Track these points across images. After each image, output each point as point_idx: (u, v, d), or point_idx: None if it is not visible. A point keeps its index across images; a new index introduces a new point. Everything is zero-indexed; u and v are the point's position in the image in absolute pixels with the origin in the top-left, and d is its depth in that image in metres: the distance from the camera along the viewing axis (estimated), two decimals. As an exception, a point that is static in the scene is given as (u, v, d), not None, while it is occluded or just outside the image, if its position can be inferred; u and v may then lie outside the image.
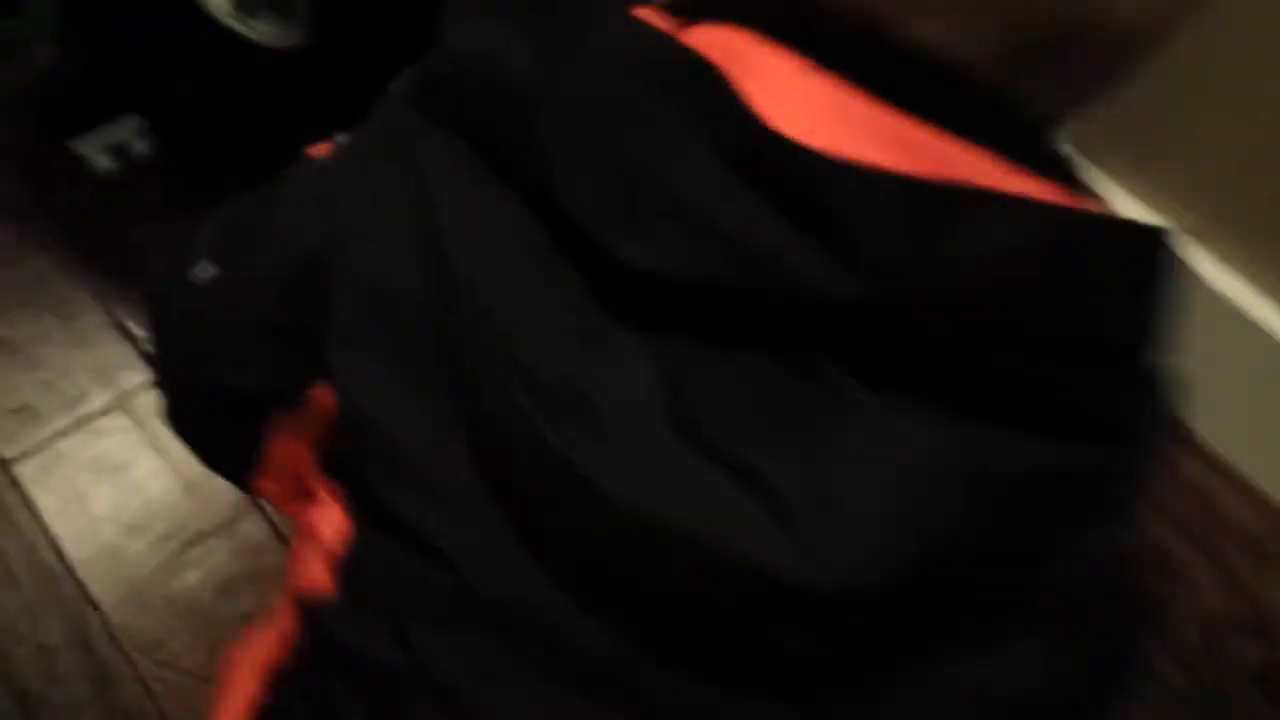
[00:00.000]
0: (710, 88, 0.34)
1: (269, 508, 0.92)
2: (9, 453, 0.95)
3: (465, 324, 0.36)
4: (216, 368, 0.43)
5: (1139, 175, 0.93)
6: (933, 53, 0.34)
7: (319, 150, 0.43)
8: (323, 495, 0.40)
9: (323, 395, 0.39)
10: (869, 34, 0.34)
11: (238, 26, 0.80)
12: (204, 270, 0.43)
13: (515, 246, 0.36)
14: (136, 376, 0.98)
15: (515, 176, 0.36)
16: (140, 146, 1.03)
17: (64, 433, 0.96)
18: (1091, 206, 0.36)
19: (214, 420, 0.46)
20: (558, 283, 0.35)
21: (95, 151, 1.02)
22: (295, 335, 0.39)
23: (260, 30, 0.80)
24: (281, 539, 0.92)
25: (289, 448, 0.42)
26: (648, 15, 0.36)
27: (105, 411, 0.97)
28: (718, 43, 0.35)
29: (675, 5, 0.37)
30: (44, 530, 0.92)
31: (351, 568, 0.39)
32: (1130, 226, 0.33)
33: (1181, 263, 0.34)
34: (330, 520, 0.39)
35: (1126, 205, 0.93)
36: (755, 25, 0.35)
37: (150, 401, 0.97)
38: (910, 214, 0.32)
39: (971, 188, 0.32)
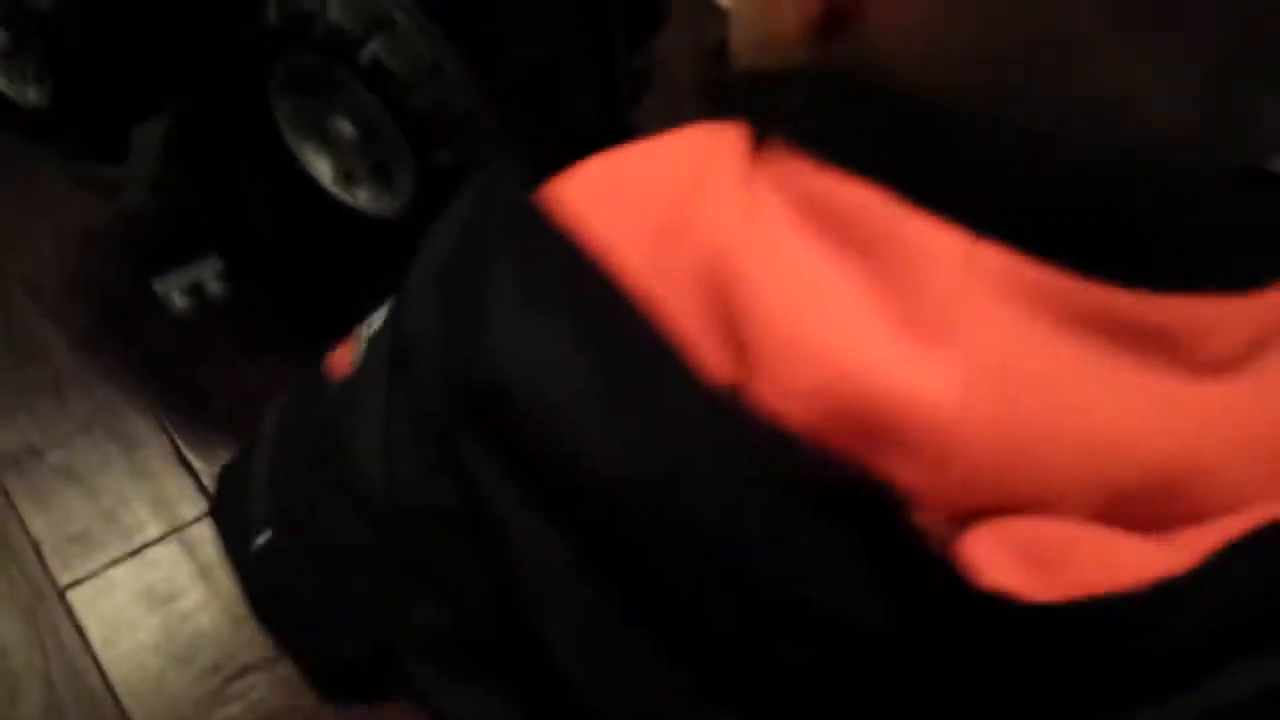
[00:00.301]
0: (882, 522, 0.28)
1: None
2: (64, 579, 0.97)
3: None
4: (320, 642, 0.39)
5: None
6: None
7: (339, 363, 0.39)
8: None
9: None
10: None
11: (340, 194, 0.86)
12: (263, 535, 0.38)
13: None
14: (194, 509, 1.01)
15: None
16: (216, 288, 1.08)
17: (118, 561, 0.99)
18: None
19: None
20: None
21: (173, 290, 1.06)
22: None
23: (360, 198, 0.86)
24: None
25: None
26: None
27: (160, 541, 1.00)
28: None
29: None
30: (92, 657, 0.94)
31: None
32: None
33: None
34: None
35: None
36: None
37: (205, 534, 0.99)
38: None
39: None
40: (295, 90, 0.83)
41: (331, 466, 0.37)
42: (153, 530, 1.00)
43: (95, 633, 0.94)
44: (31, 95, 0.91)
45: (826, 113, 0.31)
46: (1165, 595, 0.27)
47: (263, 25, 0.78)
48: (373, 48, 0.76)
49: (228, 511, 0.41)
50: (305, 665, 0.39)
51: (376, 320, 0.39)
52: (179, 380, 1.08)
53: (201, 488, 1.02)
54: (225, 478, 0.43)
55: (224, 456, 0.46)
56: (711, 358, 0.29)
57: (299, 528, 0.38)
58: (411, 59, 0.76)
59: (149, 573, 0.98)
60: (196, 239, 1.08)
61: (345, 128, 0.82)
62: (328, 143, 0.85)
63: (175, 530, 1.00)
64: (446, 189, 0.82)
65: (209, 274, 1.09)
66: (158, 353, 1.09)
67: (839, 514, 0.28)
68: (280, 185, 0.88)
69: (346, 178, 0.85)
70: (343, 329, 0.42)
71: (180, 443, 1.05)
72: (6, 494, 1.02)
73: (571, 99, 0.88)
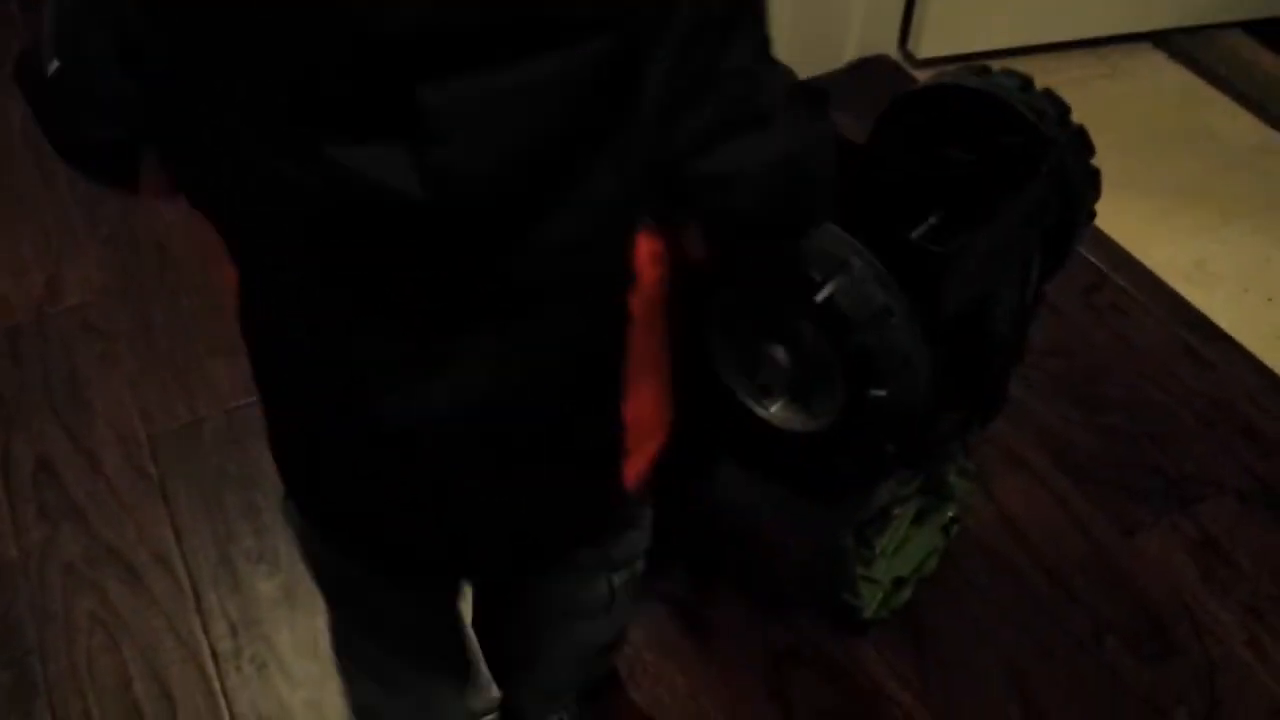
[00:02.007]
0: None
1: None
2: None
3: None
4: (81, 128, 0.59)
5: None
6: None
7: None
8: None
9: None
10: None
11: (749, 400, 0.88)
12: (52, 65, 0.57)
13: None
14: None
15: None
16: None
17: None
18: None
19: (90, 157, 0.62)
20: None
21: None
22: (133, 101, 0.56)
23: (771, 410, 0.88)
24: None
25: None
26: None
27: None
28: None
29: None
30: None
31: None
32: None
33: None
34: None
35: None
36: None
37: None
38: None
39: None
40: (734, 308, 0.86)
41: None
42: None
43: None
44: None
45: None
46: None
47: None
48: (829, 289, 0.78)
49: (31, 66, 0.58)
50: (78, 147, 0.60)
51: None
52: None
53: None
54: (28, 50, 0.59)
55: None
56: None
57: (77, 54, 0.56)
58: (864, 302, 0.79)
59: None
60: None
61: (779, 353, 0.85)
62: (755, 358, 0.87)
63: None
64: (870, 423, 0.84)
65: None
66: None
67: None
68: (687, 376, 0.91)
69: (762, 390, 0.88)
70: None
71: None
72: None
73: (992, 325, 0.89)
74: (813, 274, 0.78)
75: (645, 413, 0.69)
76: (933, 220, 0.86)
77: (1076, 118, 0.93)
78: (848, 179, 0.90)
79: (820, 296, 0.78)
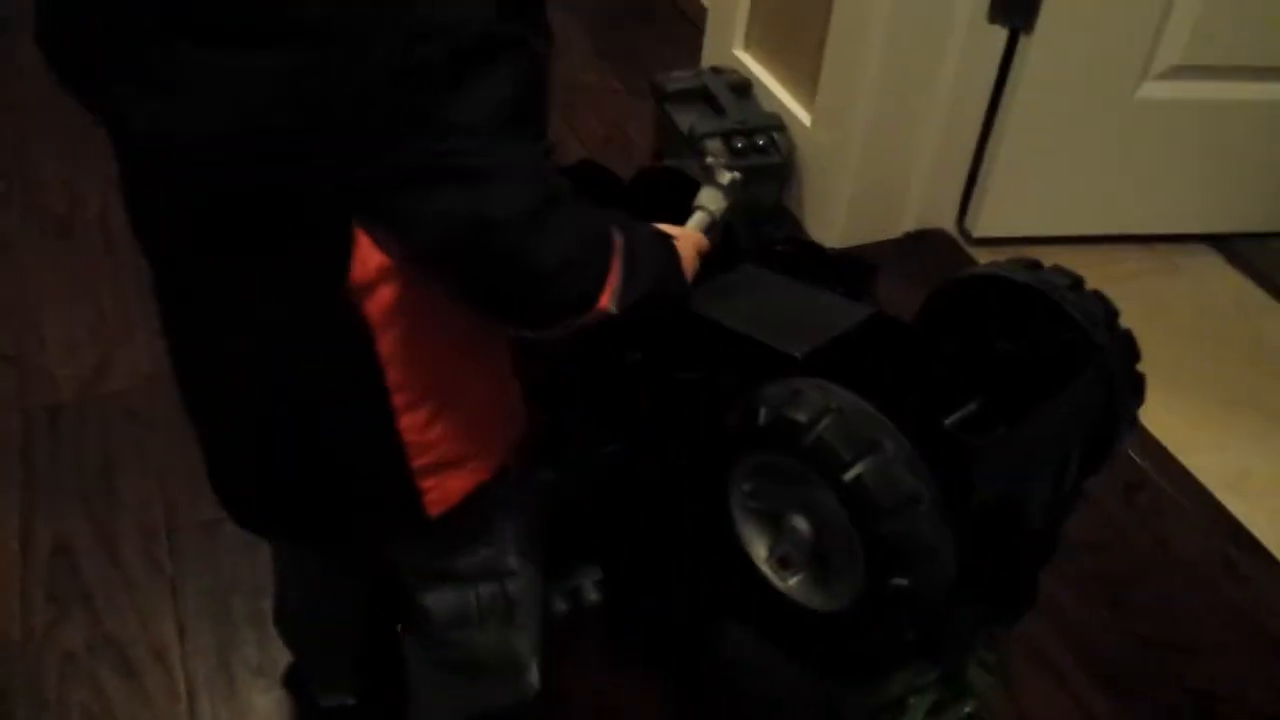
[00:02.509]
0: None
1: None
2: None
3: None
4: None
5: None
6: None
7: None
8: None
9: None
10: None
11: (767, 571, 0.87)
12: None
13: None
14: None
15: None
16: (593, 595, 1.11)
17: None
18: None
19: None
20: None
21: (555, 595, 1.10)
22: None
23: (789, 583, 0.86)
24: None
25: None
26: None
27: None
28: None
29: None
30: None
31: None
32: None
33: None
34: None
35: None
36: None
37: None
38: None
39: None
40: (758, 474, 0.86)
41: None
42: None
43: None
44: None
45: None
46: None
47: (749, 422, 0.82)
48: (857, 469, 0.77)
49: None
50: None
51: None
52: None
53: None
54: None
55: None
56: None
57: None
58: (892, 486, 0.78)
59: None
60: (584, 549, 1.12)
61: (801, 524, 0.84)
62: (775, 526, 0.86)
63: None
64: (890, 610, 0.82)
65: (589, 581, 1.12)
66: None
67: None
68: (706, 538, 0.91)
69: (781, 562, 0.87)
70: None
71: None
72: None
73: (1024, 520, 0.87)
74: (843, 452, 0.78)
75: (444, 439, 0.76)
76: (971, 408, 0.85)
77: (1130, 312, 0.93)
78: (891, 356, 0.91)
79: (848, 476, 0.77)
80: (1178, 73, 1.65)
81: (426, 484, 0.78)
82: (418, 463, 0.76)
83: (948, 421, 0.83)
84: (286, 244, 0.67)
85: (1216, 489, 1.43)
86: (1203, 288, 1.78)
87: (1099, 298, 0.92)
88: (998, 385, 0.86)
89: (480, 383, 0.80)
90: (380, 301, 0.68)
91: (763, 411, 0.81)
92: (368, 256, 0.66)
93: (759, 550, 0.87)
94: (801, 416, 0.79)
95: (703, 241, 0.91)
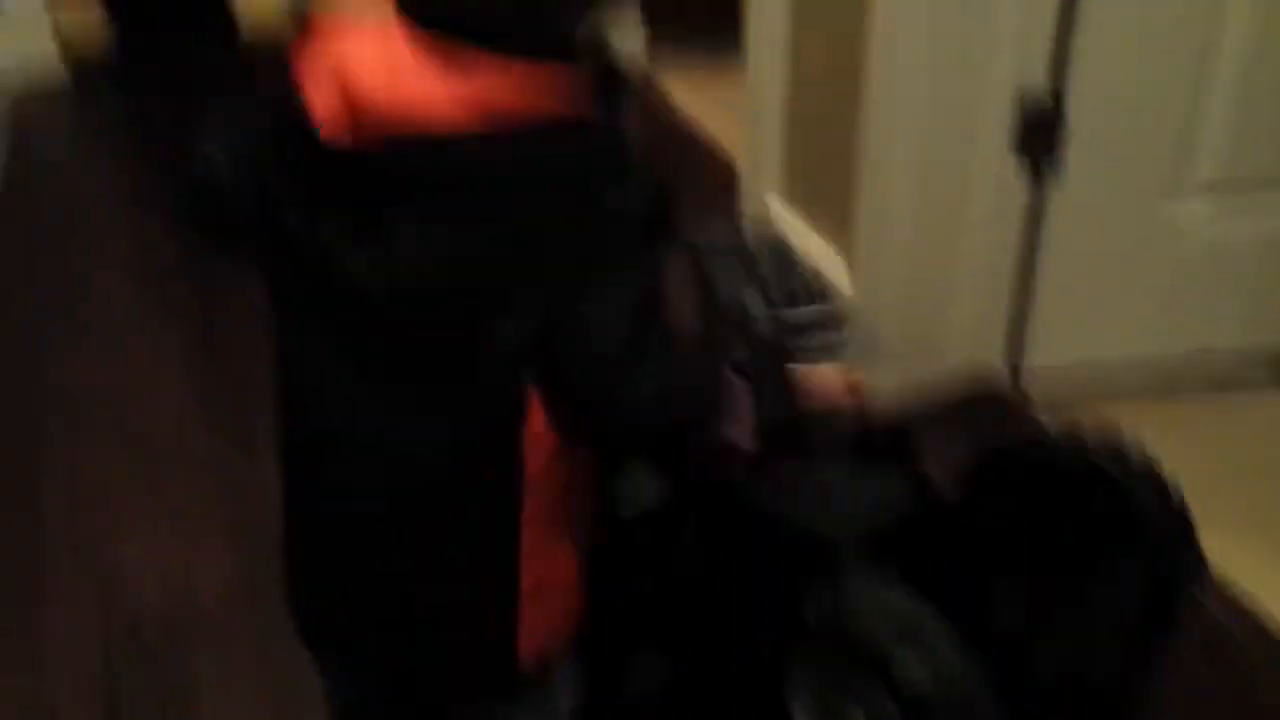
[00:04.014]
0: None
1: None
2: None
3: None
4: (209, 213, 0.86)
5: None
6: None
7: None
8: None
9: None
10: None
11: None
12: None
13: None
14: None
15: None
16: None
17: None
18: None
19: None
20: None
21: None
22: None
23: None
24: None
25: None
26: None
27: None
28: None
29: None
30: None
31: None
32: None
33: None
34: None
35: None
36: None
37: None
38: None
39: None
40: (811, 669, 0.86)
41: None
42: None
43: None
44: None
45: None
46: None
47: (796, 618, 0.83)
48: (905, 661, 0.78)
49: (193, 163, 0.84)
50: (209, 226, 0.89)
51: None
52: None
53: None
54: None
55: None
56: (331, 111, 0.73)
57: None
58: (941, 677, 0.78)
59: None
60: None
61: (856, 714, 0.84)
62: (828, 713, 0.86)
63: None
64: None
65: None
66: None
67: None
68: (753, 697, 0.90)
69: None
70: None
71: None
72: None
73: (1090, 702, 0.86)
74: (889, 645, 0.78)
75: (550, 580, 0.83)
76: (1021, 589, 0.85)
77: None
78: (938, 536, 0.92)
79: (896, 668, 0.78)
80: (1211, 187, 1.66)
81: (527, 612, 0.82)
82: (527, 621, 0.82)
83: (1000, 604, 0.83)
84: (471, 384, 0.76)
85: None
86: (1266, 421, 1.72)
87: (1146, 462, 0.91)
88: (1049, 559, 0.86)
89: (575, 548, 0.86)
90: (536, 462, 0.77)
91: (809, 607, 0.82)
92: (539, 412, 0.76)
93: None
94: (847, 611, 0.80)
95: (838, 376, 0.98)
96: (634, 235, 0.74)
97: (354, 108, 0.71)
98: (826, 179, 1.82)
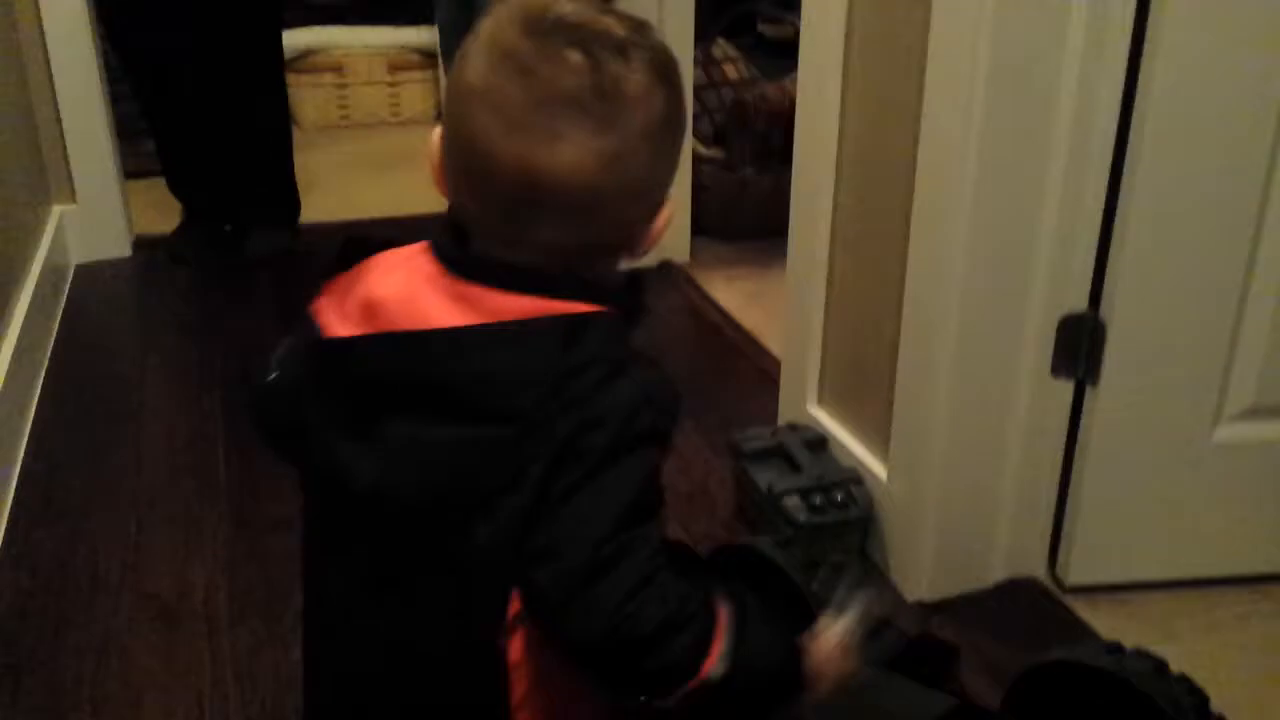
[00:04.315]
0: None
1: None
2: None
3: None
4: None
5: None
6: None
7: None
8: None
9: None
10: None
11: None
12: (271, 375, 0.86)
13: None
14: None
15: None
16: None
17: None
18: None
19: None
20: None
21: None
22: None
23: None
24: None
25: None
26: None
27: None
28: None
29: None
30: None
31: None
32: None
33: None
34: None
35: None
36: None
37: None
38: None
39: None
40: None
41: None
42: None
43: None
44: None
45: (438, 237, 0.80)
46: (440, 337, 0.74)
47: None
48: None
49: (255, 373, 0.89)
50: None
51: None
52: None
53: None
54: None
55: None
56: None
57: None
58: None
59: None
60: None
61: None
62: None
63: None
64: None
65: None
66: None
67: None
68: None
69: None
70: None
71: None
72: None
73: None
74: None
75: None
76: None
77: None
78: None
79: None
80: (1254, 413, 1.66)
81: None
82: None
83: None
84: (457, 578, 0.76)
85: None
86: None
87: (1186, 684, 0.90)
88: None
89: None
90: (517, 647, 0.77)
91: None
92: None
93: None
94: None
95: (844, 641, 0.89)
96: (626, 437, 0.72)
97: (368, 316, 0.75)
98: (865, 387, 1.84)
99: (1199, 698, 0.88)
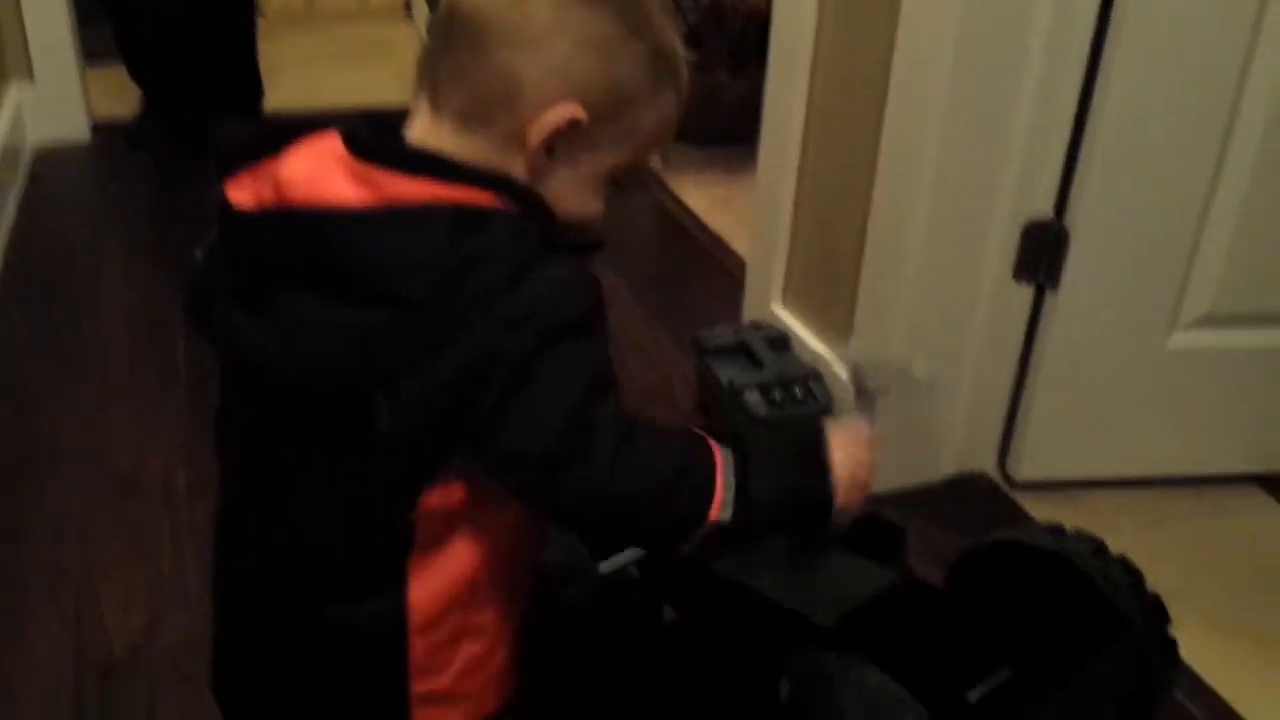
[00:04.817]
0: None
1: None
2: None
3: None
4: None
5: None
6: None
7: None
8: None
9: None
10: None
11: None
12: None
13: None
14: None
15: None
16: None
17: None
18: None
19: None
20: None
21: None
22: None
23: None
24: None
25: None
26: None
27: None
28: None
29: None
30: None
31: None
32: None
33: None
34: None
35: None
36: None
37: None
38: None
39: None
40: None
41: None
42: None
43: None
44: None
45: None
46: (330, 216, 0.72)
47: (771, 697, 0.82)
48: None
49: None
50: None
51: None
52: None
53: None
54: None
55: None
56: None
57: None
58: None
59: None
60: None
61: None
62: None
63: None
64: None
65: None
66: None
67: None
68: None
69: None
70: None
71: None
72: None
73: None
74: (866, 728, 0.78)
75: (448, 670, 0.80)
76: (996, 680, 0.85)
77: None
78: (919, 623, 0.92)
79: (872, 754, 0.77)
80: (1208, 322, 1.69)
81: (419, 714, 0.81)
82: (418, 689, 0.80)
83: (974, 693, 0.83)
84: (359, 462, 0.75)
85: (1284, 746, 1.37)
86: (1252, 528, 1.75)
87: (1124, 563, 0.92)
88: (1026, 654, 0.86)
89: (494, 624, 0.83)
90: (432, 524, 0.76)
91: (785, 686, 0.81)
92: (442, 488, 0.75)
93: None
94: (822, 692, 0.79)
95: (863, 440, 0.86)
96: (549, 333, 0.71)
97: (276, 192, 0.74)
98: (829, 287, 1.85)
99: (1135, 577, 0.91)
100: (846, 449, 0.83)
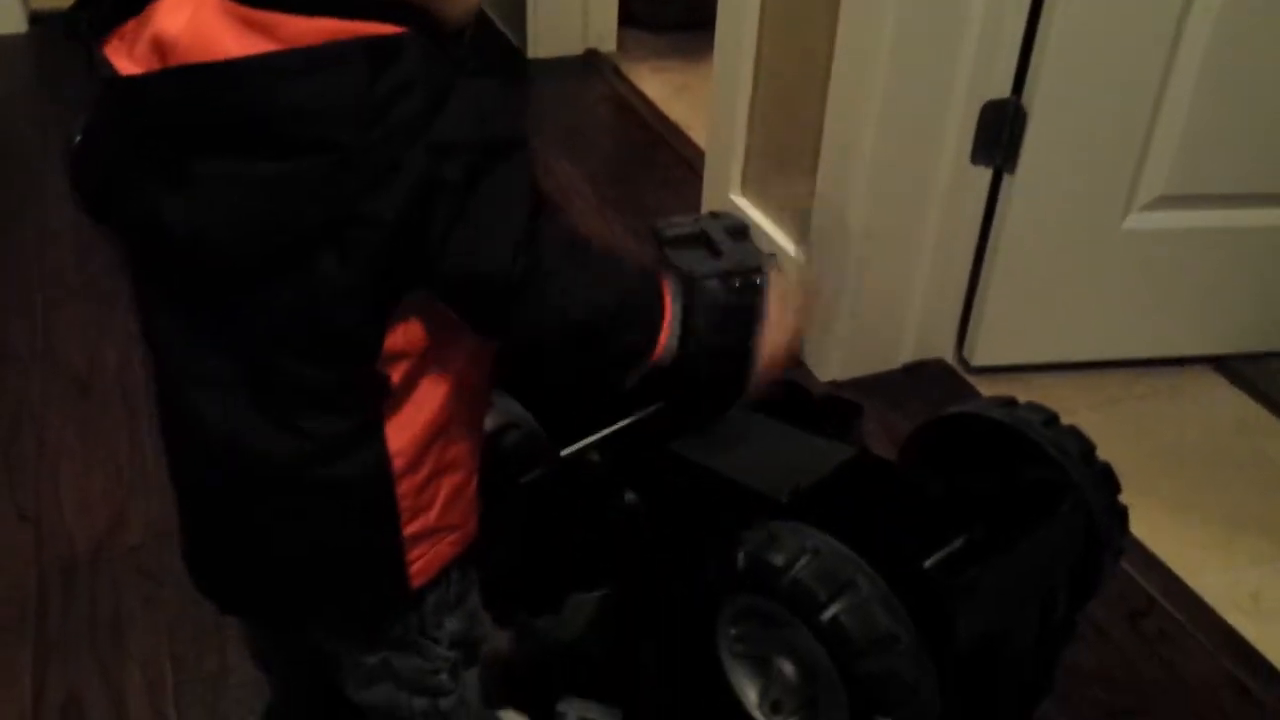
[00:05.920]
0: None
1: None
2: None
3: None
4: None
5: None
6: None
7: None
8: None
9: None
10: None
11: (759, 717, 0.88)
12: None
13: None
14: None
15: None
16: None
17: None
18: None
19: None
20: None
21: (570, 714, 1.09)
22: None
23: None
24: None
25: None
26: None
27: None
28: None
29: None
30: None
31: None
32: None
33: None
34: None
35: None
36: None
37: None
38: None
39: None
40: (744, 619, 0.87)
41: None
42: None
43: None
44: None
45: None
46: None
47: (728, 567, 0.83)
48: (833, 610, 0.79)
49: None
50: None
51: None
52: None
53: None
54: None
55: None
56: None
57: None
58: (869, 626, 0.79)
59: None
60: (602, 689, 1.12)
61: (787, 667, 0.85)
62: (763, 671, 0.87)
63: None
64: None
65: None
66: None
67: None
68: (698, 685, 0.91)
69: (773, 707, 0.87)
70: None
71: None
72: None
73: (1008, 659, 0.88)
74: (818, 593, 0.79)
75: (435, 505, 0.81)
76: (950, 548, 0.86)
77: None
78: (874, 497, 0.93)
79: (825, 617, 0.79)
80: (1163, 203, 1.70)
81: (414, 553, 0.81)
82: (409, 530, 0.80)
83: (929, 561, 0.85)
84: (322, 310, 0.72)
85: (1227, 612, 1.42)
86: (1205, 409, 1.79)
87: (1074, 433, 0.94)
88: (978, 525, 0.88)
89: (467, 455, 0.84)
90: (399, 367, 0.75)
91: (741, 555, 0.83)
92: (403, 328, 0.73)
93: (750, 696, 0.88)
94: (778, 560, 0.81)
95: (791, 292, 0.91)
96: (485, 151, 0.69)
97: (159, 54, 0.69)
98: (787, 174, 1.84)
99: (1087, 445, 0.93)
100: (781, 298, 0.88)
